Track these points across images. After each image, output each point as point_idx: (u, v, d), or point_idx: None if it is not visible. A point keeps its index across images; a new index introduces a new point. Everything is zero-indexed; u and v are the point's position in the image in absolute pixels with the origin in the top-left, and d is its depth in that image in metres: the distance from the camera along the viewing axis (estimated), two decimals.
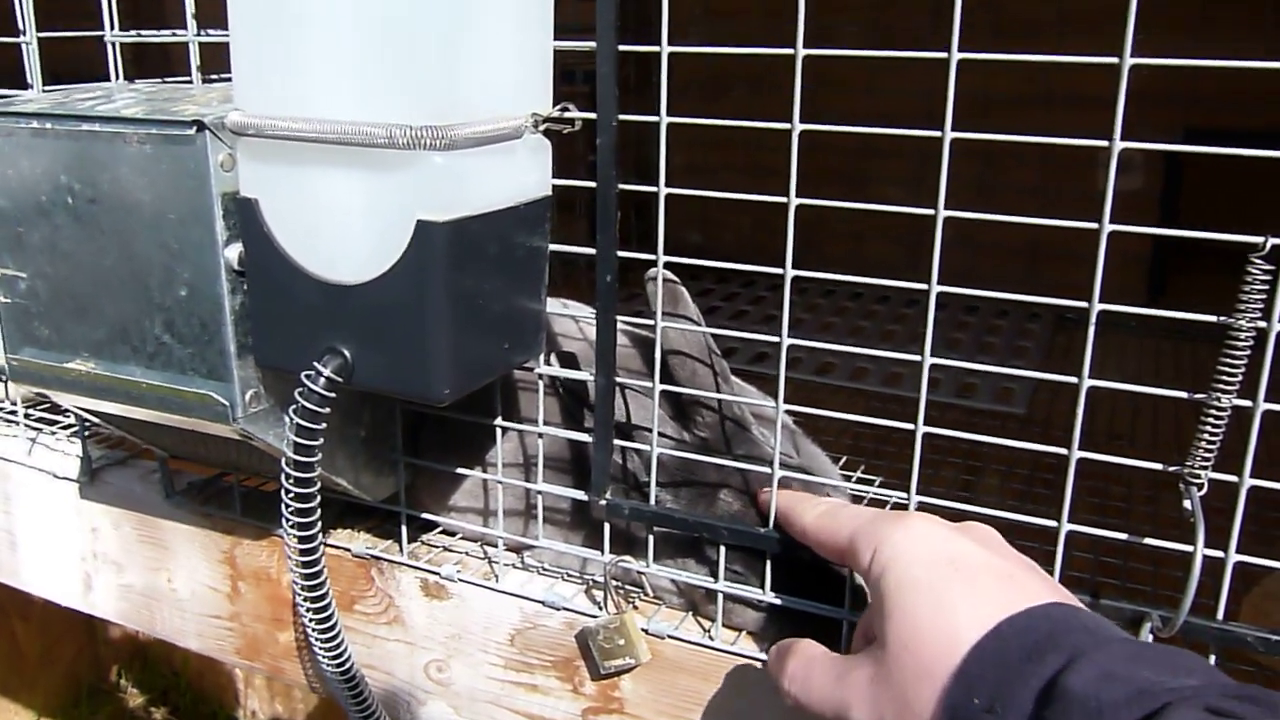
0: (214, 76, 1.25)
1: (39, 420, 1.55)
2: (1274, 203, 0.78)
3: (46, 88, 1.27)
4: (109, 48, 1.23)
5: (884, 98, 1.92)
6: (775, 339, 0.96)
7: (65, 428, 1.54)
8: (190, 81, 1.24)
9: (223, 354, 0.98)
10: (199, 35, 1.18)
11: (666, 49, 0.92)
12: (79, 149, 0.98)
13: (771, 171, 0.95)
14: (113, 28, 1.22)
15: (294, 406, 0.92)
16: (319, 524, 1.00)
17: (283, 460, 0.95)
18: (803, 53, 0.87)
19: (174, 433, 1.18)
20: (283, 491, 0.96)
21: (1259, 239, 0.77)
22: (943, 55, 0.81)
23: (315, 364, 0.91)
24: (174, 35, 1.24)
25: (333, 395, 0.92)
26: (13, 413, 1.56)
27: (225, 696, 4.91)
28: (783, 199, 0.91)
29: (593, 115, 0.95)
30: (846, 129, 0.87)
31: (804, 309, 2.41)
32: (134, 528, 1.41)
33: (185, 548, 1.37)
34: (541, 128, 0.94)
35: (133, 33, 1.22)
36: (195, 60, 1.19)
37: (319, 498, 0.98)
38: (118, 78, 1.25)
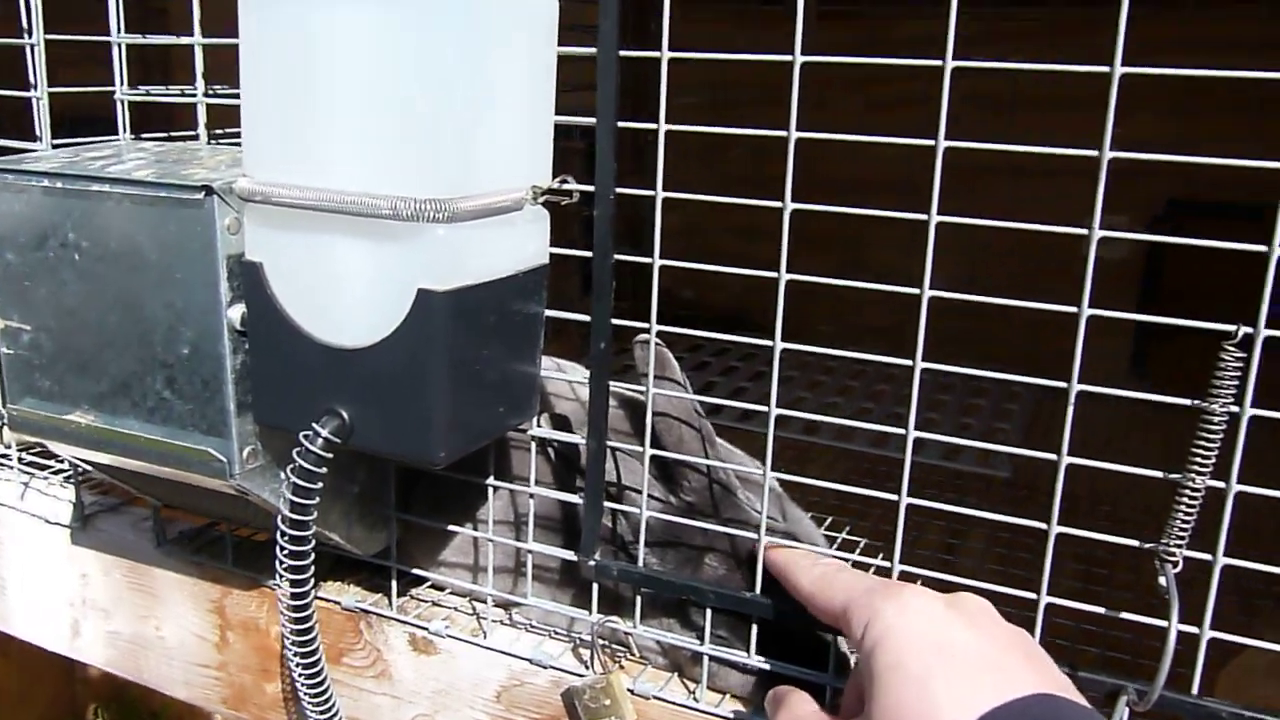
0: (219, 132, 1.28)
1: (31, 465, 1.56)
2: (1257, 274, 0.81)
3: (55, 141, 1.30)
4: (118, 105, 1.25)
5: (878, 165, 1.95)
6: (763, 408, 0.98)
7: (58, 473, 1.55)
8: (196, 137, 1.27)
9: (222, 411, 1.00)
10: (207, 96, 1.21)
11: (664, 126, 0.95)
12: (88, 208, 1.01)
13: (767, 233, 0.98)
14: (123, 84, 1.25)
15: (291, 465, 0.94)
16: (313, 580, 1.01)
17: (278, 517, 0.97)
18: (795, 135, 0.90)
19: (168, 484, 1.19)
20: (277, 547, 0.98)
21: (1232, 327, 0.80)
22: (929, 142, 0.85)
23: (314, 424, 0.93)
24: (182, 95, 1.27)
25: (329, 455, 0.94)
26: (5, 457, 1.57)
27: None
28: (773, 274, 0.93)
29: (590, 188, 0.98)
30: (835, 209, 0.90)
31: (794, 367, 2.44)
32: (124, 575, 1.41)
33: (175, 596, 1.37)
34: (541, 199, 0.97)
35: (142, 90, 1.25)
36: (203, 119, 1.22)
37: (313, 554, 1.00)
38: (125, 133, 1.28)
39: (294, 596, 1.01)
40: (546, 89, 0.97)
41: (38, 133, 1.32)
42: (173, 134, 1.39)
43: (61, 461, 1.55)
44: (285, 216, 0.92)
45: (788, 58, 0.88)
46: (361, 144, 0.87)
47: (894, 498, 0.94)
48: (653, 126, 0.95)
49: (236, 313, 0.97)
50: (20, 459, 1.54)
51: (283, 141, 0.90)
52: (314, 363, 0.94)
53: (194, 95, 1.22)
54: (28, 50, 1.28)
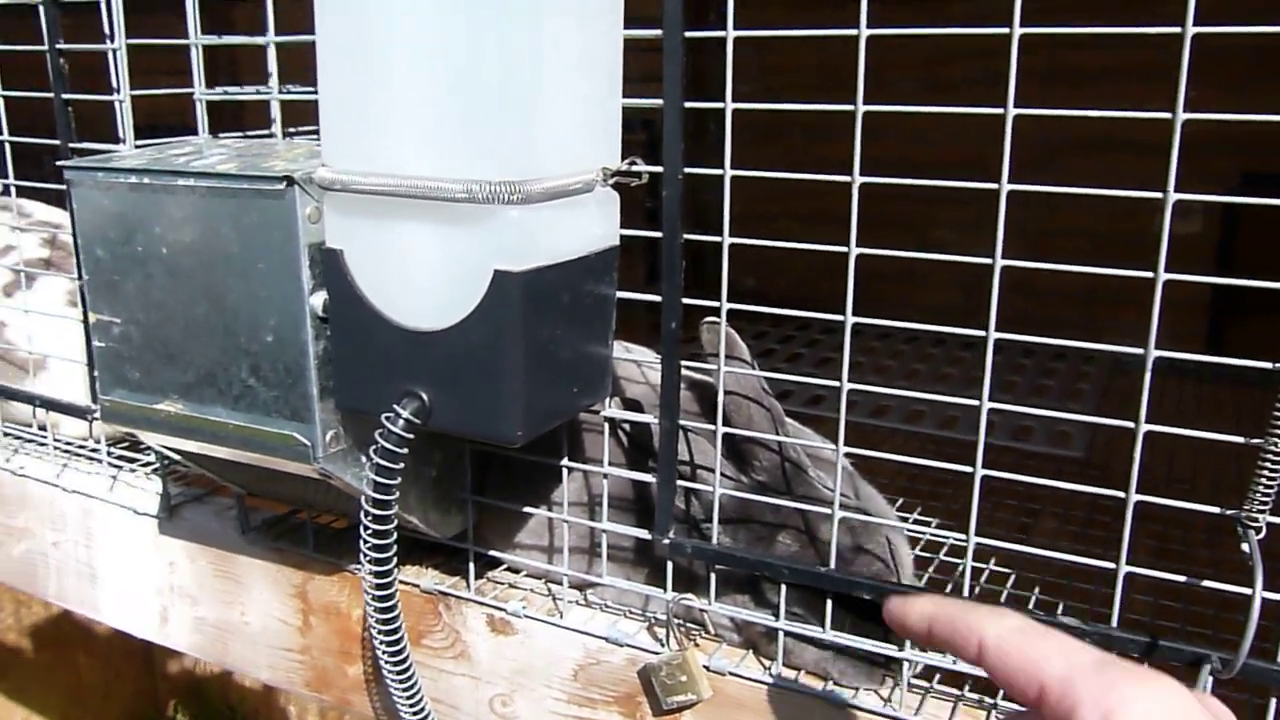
0: (291, 130, 1.32)
1: (119, 458, 1.61)
2: None
3: (138, 143, 1.34)
4: (197, 105, 1.29)
5: (940, 146, 1.94)
6: (834, 383, 0.99)
7: (145, 465, 1.60)
8: (272, 135, 1.30)
9: (306, 397, 1.03)
10: (281, 93, 1.24)
11: (731, 105, 0.96)
12: (173, 201, 1.04)
13: (827, 218, 0.98)
14: (200, 85, 1.29)
15: (374, 447, 0.97)
16: (395, 559, 1.04)
17: (362, 498, 0.99)
18: (863, 109, 0.90)
19: (252, 471, 1.23)
20: (361, 528, 1.01)
21: None
22: (998, 110, 0.85)
23: (395, 406, 0.96)
24: (258, 94, 1.31)
25: (411, 436, 0.96)
26: (96, 451, 1.62)
27: None
28: (843, 248, 0.94)
29: (659, 169, 0.99)
30: (904, 181, 0.90)
31: (860, 352, 2.42)
32: (210, 562, 1.46)
33: (259, 582, 1.42)
34: (611, 181, 0.98)
35: (219, 91, 1.29)
36: (277, 115, 1.25)
37: (395, 535, 1.02)
38: (203, 132, 1.32)
39: (377, 575, 1.03)
40: (614, 72, 0.98)
41: (120, 135, 1.36)
42: (247, 132, 1.43)
43: (148, 454, 1.60)
44: (364, 204, 0.94)
45: (853, 32, 0.88)
46: (433, 129, 0.89)
47: (968, 469, 0.94)
48: (719, 105, 0.96)
49: (319, 300, 1.00)
50: (109, 452, 1.60)
51: (359, 131, 0.93)
52: (393, 346, 0.97)
53: (268, 93, 1.26)
54: (110, 55, 1.32)
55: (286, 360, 1.03)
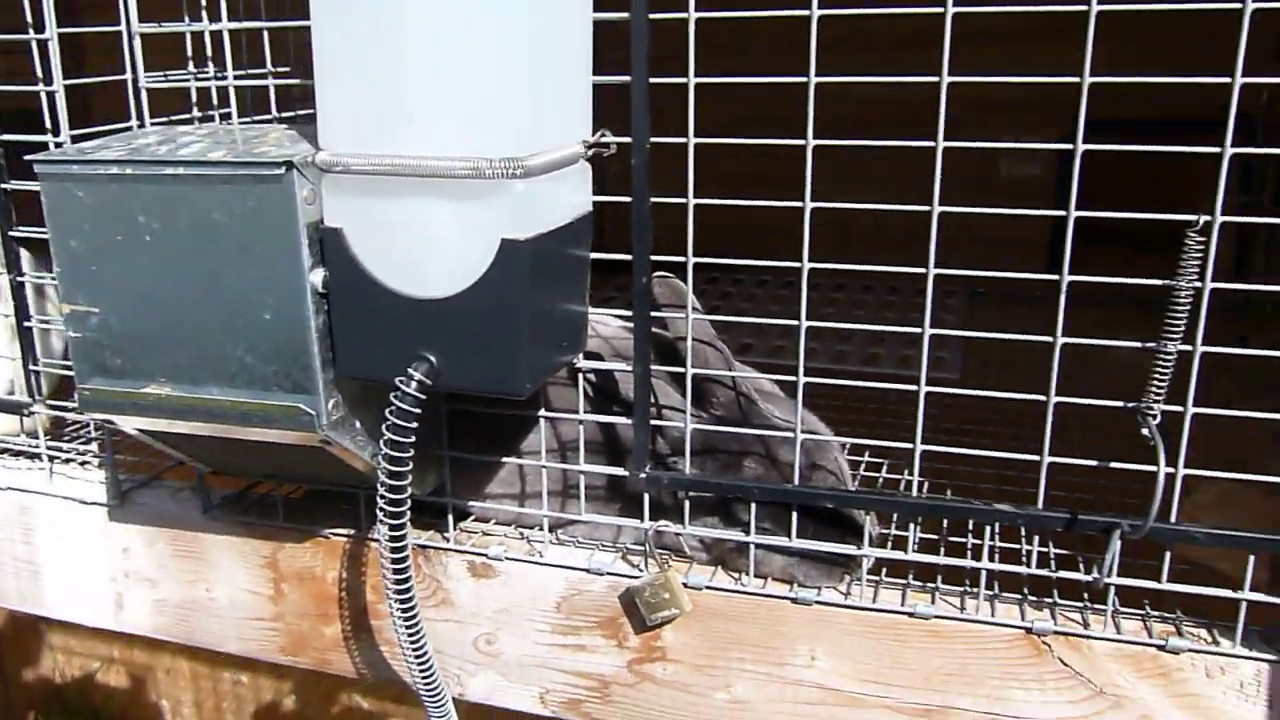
0: (199, 115, 1.35)
1: (55, 449, 1.60)
2: (1156, 181, 0.98)
3: (74, 132, 1.34)
4: (138, 92, 1.30)
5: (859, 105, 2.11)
6: (794, 323, 1.12)
7: (80, 456, 1.60)
8: (212, 120, 1.34)
9: (309, 369, 1.09)
10: (237, 79, 1.27)
11: (694, 80, 1.07)
12: (159, 191, 1.08)
13: (762, 180, 1.10)
14: (140, 73, 1.30)
15: (389, 409, 1.04)
16: (408, 518, 1.12)
17: (379, 459, 1.07)
18: (815, 80, 1.03)
19: (228, 447, 1.27)
20: (379, 490, 1.09)
21: (1194, 217, 0.97)
22: (933, 79, 0.99)
23: (408, 370, 1.03)
24: (198, 79, 1.33)
25: (424, 398, 1.04)
26: (34, 447, 1.59)
27: None
28: (799, 204, 1.07)
29: (628, 139, 1.09)
30: (868, 144, 1.04)
31: (771, 302, 2.60)
32: (168, 544, 1.48)
33: (225, 557, 1.46)
34: (589, 153, 1.08)
35: (160, 75, 1.31)
36: (234, 104, 1.28)
37: (409, 493, 1.10)
38: (145, 121, 1.33)
39: (393, 533, 1.11)
40: (587, 52, 1.08)
41: (49, 126, 1.35)
42: (171, 118, 1.43)
43: (86, 443, 1.60)
44: (365, 184, 1.01)
45: (805, 13, 1.01)
46: (440, 111, 0.96)
47: (913, 387, 1.10)
48: (682, 81, 1.07)
49: (318, 276, 1.06)
50: (46, 446, 1.58)
51: (360, 114, 1.00)
52: (400, 315, 1.04)
53: (219, 80, 1.28)
54: (34, 45, 1.31)
55: (287, 336, 1.08)
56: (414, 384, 1.04)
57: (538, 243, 1.01)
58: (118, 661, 4.71)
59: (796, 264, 1.10)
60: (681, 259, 1.14)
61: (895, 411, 1.85)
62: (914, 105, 1.06)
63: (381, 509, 1.09)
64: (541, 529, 1.33)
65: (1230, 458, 1.09)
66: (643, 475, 1.22)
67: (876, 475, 1.49)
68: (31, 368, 1.47)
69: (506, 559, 1.32)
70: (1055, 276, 1.04)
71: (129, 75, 1.31)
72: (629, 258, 1.13)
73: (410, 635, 1.20)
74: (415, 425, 1.06)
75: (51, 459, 1.57)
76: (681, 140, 1.10)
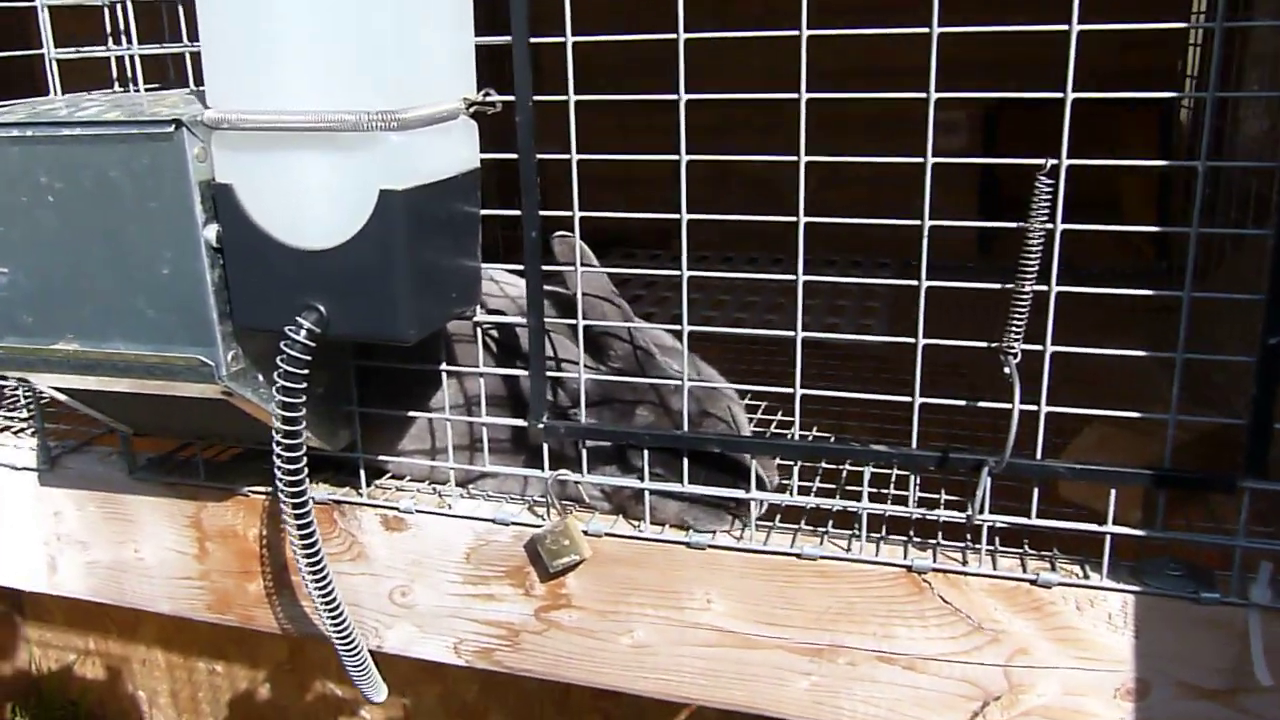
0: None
1: None
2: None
3: None
4: (51, 65, 1.35)
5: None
6: (672, 272, 1.17)
7: (13, 424, 1.64)
8: (124, 90, 1.38)
9: (206, 322, 1.13)
10: (136, 49, 1.32)
11: (571, 39, 1.11)
12: (59, 151, 1.12)
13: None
14: (50, 46, 1.34)
15: (280, 356, 1.09)
16: (305, 467, 1.16)
17: (272, 407, 1.11)
18: (683, 37, 1.08)
19: (146, 405, 1.32)
20: (273, 438, 1.13)
21: (1043, 160, 1.01)
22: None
23: (297, 319, 1.08)
24: (108, 50, 1.37)
25: (314, 345, 1.09)
26: None
27: None
28: (675, 156, 1.12)
29: (511, 98, 1.14)
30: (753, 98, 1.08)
31: (696, 288, 2.65)
32: (98, 506, 1.53)
33: (151, 518, 1.50)
34: (471, 109, 1.13)
35: (72, 50, 1.35)
36: (139, 74, 1.32)
37: (305, 444, 1.15)
38: (56, 92, 1.37)
39: (291, 483, 1.15)
40: (466, 10, 1.12)
41: None
42: (90, 90, 1.47)
43: (16, 411, 1.64)
44: (251, 139, 1.05)
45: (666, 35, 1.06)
46: (315, 65, 1.01)
47: (791, 333, 1.15)
48: (561, 40, 1.12)
49: (212, 231, 1.10)
50: None
51: (243, 71, 1.04)
52: (289, 266, 1.09)
53: (122, 51, 1.33)
54: None
55: (185, 290, 1.12)
56: (303, 332, 1.08)
57: (416, 194, 1.05)
58: (94, 653, 4.74)
59: (675, 215, 1.15)
60: (569, 214, 1.19)
61: (830, 369, 1.92)
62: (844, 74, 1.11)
63: (277, 455, 1.13)
64: (451, 483, 1.37)
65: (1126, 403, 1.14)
66: (541, 425, 1.26)
67: (777, 424, 1.54)
68: None
69: (417, 511, 1.36)
70: (917, 222, 1.08)
71: (43, 50, 1.35)
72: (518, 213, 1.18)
73: (318, 584, 1.25)
74: (306, 373, 1.10)
75: None
76: (563, 99, 1.14)
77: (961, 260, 1.10)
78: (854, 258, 2.43)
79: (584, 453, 1.27)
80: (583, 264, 1.29)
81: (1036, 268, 1.06)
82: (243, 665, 4.41)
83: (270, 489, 1.43)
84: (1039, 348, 1.08)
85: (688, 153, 1.12)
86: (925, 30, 1.01)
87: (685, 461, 1.22)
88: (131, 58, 1.33)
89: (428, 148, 1.07)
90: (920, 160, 1.06)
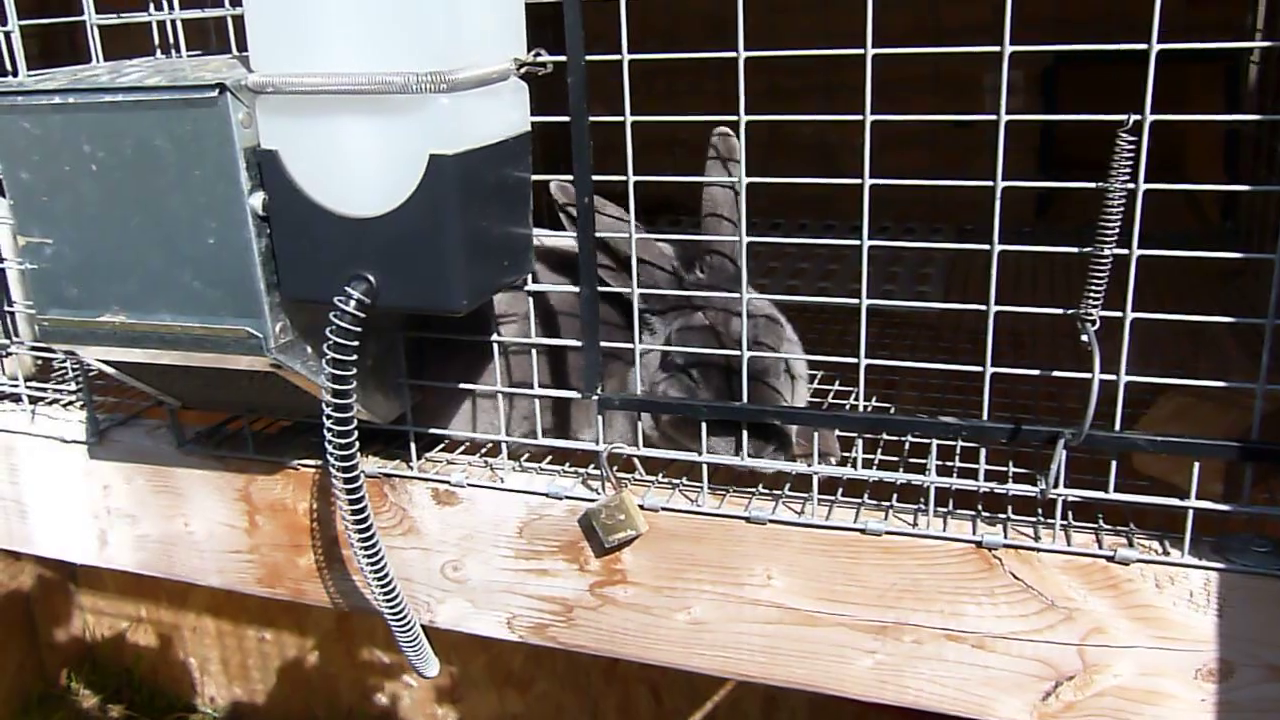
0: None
1: (38, 390, 1.63)
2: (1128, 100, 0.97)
3: (30, 73, 1.36)
4: (91, 30, 1.32)
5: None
6: (730, 239, 1.12)
7: (64, 396, 1.63)
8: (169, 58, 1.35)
9: (253, 293, 1.10)
10: (178, 14, 1.28)
11: None
12: (101, 119, 1.09)
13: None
14: (92, 12, 1.31)
15: (329, 328, 1.06)
16: (357, 439, 1.13)
17: (321, 378, 1.08)
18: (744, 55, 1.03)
19: (194, 377, 1.30)
20: (324, 411, 1.10)
21: (1124, 116, 0.96)
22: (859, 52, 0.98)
23: (345, 289, 1.04)
24: (149, 16, 1.34)
25: (363, 316, 1.06)
26: (14, 389, 1.63)
27: (181, 688, 4.94)
28: (734, 116, 1.07)
29: (563, 58, 1.09)
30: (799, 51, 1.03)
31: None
32: (147, 480, 1.51)
33: (200, 491, 1.48)
34: (521, 70, 1.08)
35: (113, 16, 1.32)
36: (181, 38, 1.30)
37: (355, 416, 1.12)
38: (98, 59, 1.35)
39: (342, 455, 1.13)
40: None
41: (8, 68, 1.37)
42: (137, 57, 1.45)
43: (66, 385, 1.63)
44: (297, 104, 1.02)
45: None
46: (364, 28, 0.97)
47: (855, 301, 1.10)
48: None
49: (258, 200, 1.07)
50: (27, 387, 1.61)
51: (287, 34, 1.00)
52: (337, 235, 1.05)
53: (163, 16, 1.30)
54: None
55: (231, 260, 1.10)
56: (352, 303, 1.05)
57: (467, 159, 1.01)
58: (146, 621, 4.80)
59: (732, 179, 1.10)
60: (622, 178, 1.14)
61: (886, 337, 1.87)
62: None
63: (328, 430, 1.11)
64: (503, 456, 1.34)
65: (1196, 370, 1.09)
66: (595, 397, 1.22)
67: (844, 402, 1.49)
68: (6, 308, 1.50)
69: (469, 485, 1.33)
70: (990, 183, 1.02)
71: (85, 15, 1.32)
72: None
73: (370, 558, 1.22)
74: (356, 345, 1.07)
75: (33, 400, 1.61)
76: (616, 58, 1.09)
77: (1018, 224, 1.04)
78: (908, 224, 2.37)
79: (639, 424, 1.24)
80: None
81: (1117, 230, 1.00)
82: (291, 633, 4.45)
83: (320, 462, 1.41)
84: (1118, 314, 1.03)
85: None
86: None
87: (744, 435, 1.18)
88: (173, 23, 1.30)
89: (478, 110, 1.03)
90: (993, 117, 1.00)
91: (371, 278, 1.05)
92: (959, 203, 1.05)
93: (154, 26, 1.35)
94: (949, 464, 1.23)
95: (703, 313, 1.29)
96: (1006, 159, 1.01)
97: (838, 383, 1.54)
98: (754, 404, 1.19)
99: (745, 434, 1.18)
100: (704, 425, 1.20)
